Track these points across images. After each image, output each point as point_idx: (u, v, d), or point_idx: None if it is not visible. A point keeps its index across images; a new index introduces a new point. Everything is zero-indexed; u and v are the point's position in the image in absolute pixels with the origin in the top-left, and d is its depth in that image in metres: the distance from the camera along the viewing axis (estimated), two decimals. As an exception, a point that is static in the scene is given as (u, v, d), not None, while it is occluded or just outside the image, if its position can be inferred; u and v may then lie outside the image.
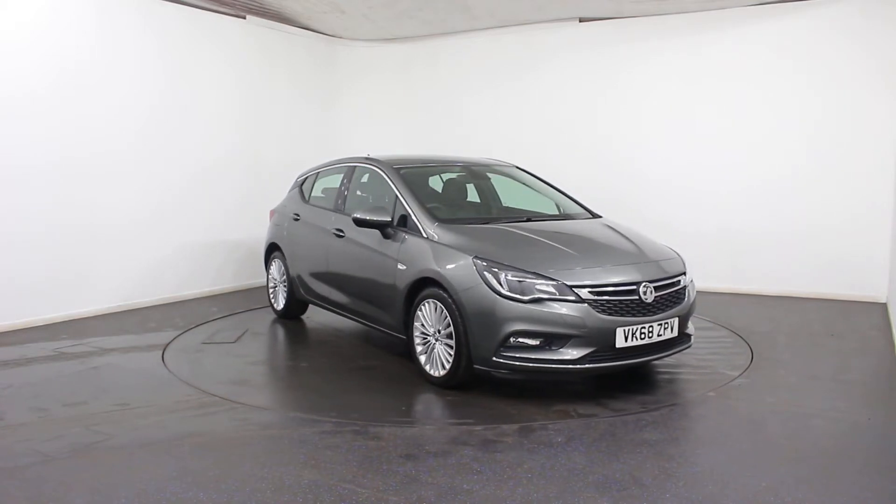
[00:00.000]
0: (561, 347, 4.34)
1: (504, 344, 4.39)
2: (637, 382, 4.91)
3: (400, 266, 5.11)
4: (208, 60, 8.15)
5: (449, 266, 4.70)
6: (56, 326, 6.50)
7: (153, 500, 3.18)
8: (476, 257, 4.58)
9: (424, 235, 5.02)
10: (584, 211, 5.92)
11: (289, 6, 8.38)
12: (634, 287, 4.50)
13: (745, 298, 7.92)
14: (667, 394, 4.72)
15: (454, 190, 6.10)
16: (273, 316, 7.14)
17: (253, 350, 6.04)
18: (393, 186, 5.54)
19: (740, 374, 5.07)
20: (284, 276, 6.89)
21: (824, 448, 3.80)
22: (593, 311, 4.34)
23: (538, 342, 4.36)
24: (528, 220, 5.48)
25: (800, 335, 6.27)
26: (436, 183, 6.09)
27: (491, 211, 5.97)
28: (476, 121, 9.57)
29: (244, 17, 8.53)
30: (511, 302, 4.36)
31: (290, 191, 7.23)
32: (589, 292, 4.38)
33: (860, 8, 7.51)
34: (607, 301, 4.41)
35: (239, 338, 6.34)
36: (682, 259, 5.11)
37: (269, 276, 7.24)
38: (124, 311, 7.18)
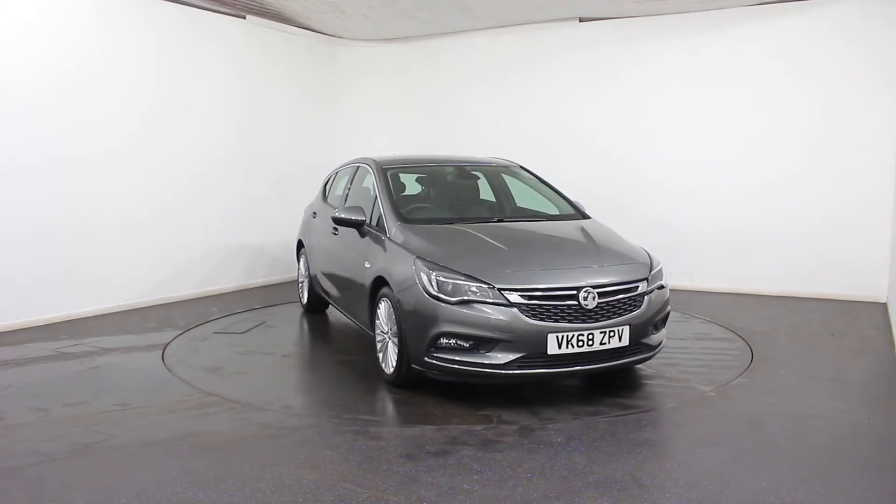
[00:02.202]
0: (489, 351, 4.25)
1: (434, 344, 4.37)
2: (635, 382, 4.92)
3: (366, 264, 5.21)
4: (208, 60, 8.16)
5: (395, 265, 4.77)
6: (56, 326, 6.50)
7: (153, 500, 3.18)
8: (417, 257, 4.60)
9: (388, 235, 5.08)
10: (572, 211, 5.76)
11: (289, 6, 8.38)
12: (574, 292, 4.33)
13: (745, 298, 7.92)
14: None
15: (441, 189, 6.11)
16: (301, 310, 7.36)
17: (253, 341, 6.16)
18: (375, 185, 5.62)
19: (740, 374, 5.07)
20: (307, 272, 7.12)
21: (824, 448, 3.80)
22: (521, 316, 4.23)
23: (467, 344, 4.30)
24: (500, 220, 5.42)
25: (800, 335, 6.27)
26: (426, 182, 6.14)
27: (469, 211, 5.82)
28: (476, 121, 9.57)
29: (244, 17, 8.53)
30: (439, 303, 4.34)
31: (320, 189, 7.43)
32: (519, 296, 4.26)
33: (860, 8, 7.51)
34: (539, 305, 4.27)
35: (249, 330, 6.51)
36: (650, 265, 4.82)
37: (299, 272, 7.48)
38: (124, 311, 7.19)
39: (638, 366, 5.03)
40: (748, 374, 5.09)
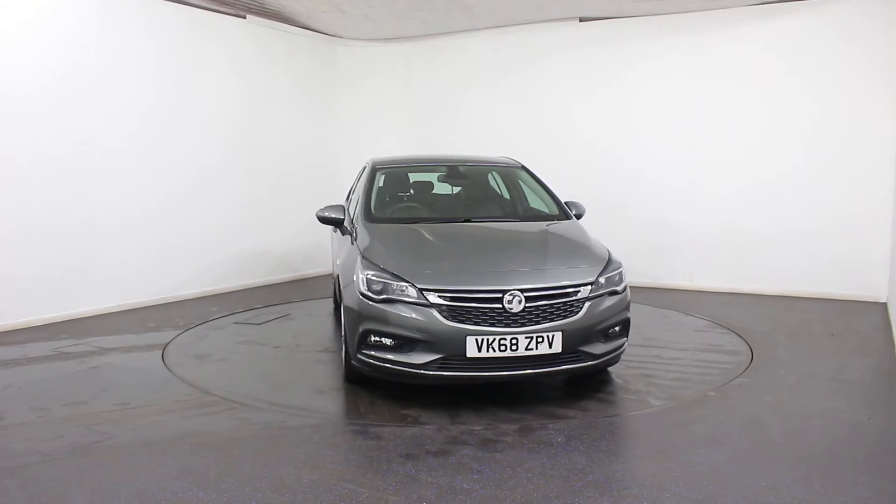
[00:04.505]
0: (411, 351, 4.24)
1: (364, 341, 4.41)
2: (633, 381, 4.92)
3: (337, 261, 5.37)
4: (208, 60, 8.16)
5: (344, 263, 4.90)
6: (56, 326, 6.50)
7: (153, 499, 3.18)
8: (361, 256, 4.64)
9: (354, 234, 5.16)
10: (556, 212, 5.59)
11: (289, 6, 8.38)
12: (499, 295, 4.21)
13: (745, 298, 7.91)
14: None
15: (428, 189, 6.17)
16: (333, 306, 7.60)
17: (261, 333, 6.42)
18: (364, 185, 5.70)
19: (740, 374, 5.07)
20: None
21: (824, 448, 3.80)
22: (438, 316, 4.18)
23: (393, 343, 4.29)
24: (467, 220, 5.35)
25: (800, 335, 6.27)
26: (423, 181, 6.23)
27: (451, 211, 5.77)
28: (476, 121, 9.57)
29: (244, 17, 8.53)
30: (366, 301, 4.37)
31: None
32: (438, 296, 4.21)
33: (860, 8, 7.51)
34: (459, 307, 4.20)
35: (267, 322, 6.77)
36: (603, 269, 4.56)
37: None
38: (124, 311, 7.19)
39: (645, 365, 5.03)
40: (748, 373, 5.09)
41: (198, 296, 8.01)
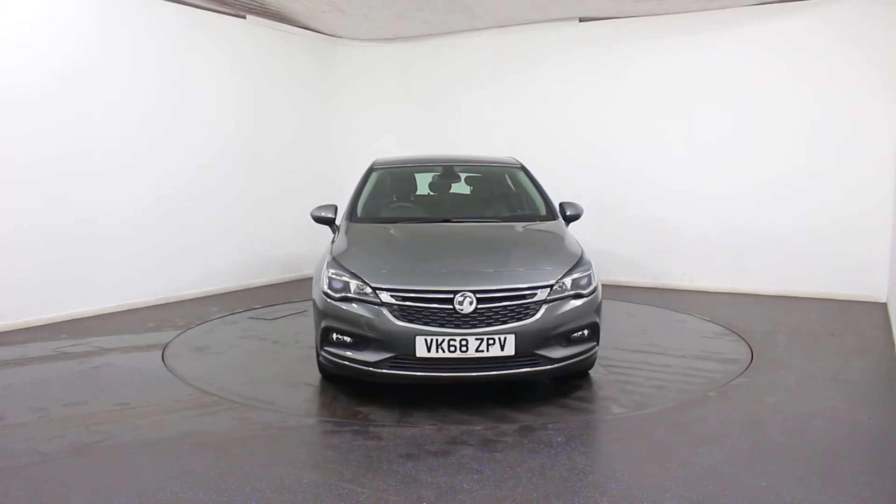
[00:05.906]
0: (365, 349, 4.31)
1: (325, 339, 4.49)
2: (633, 380, 4.91)
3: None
4: (208, 60, 8.16)
5: (319, 261, 4.98)
6: (56, 326, 6.50)
7: (153, 499, 3.18)
8: (331, 254, 4.74)
9: (337, 233, 5.23)
10: (543, 213, 5.49)
11: (289, 6, 8.38)
12: (450, 296, 4.19)
13: (745, 298, 7.91)
14: (666, 393, 4.71)
15: (429, 189, 6.19)
16: None
17: (269, 328, 6.57)
18: (357, 184, 5.74)
19: (740, 374, 5.07)
20: None
21: (824, 448, 3.80)
22: (388, 316, 4.22)
23: (350, 341, 4.37)
24: (447, 220, 5.33)
25: (800, 335, 6.27)
26: (425, 181, 6.25)
27: (439, 211, 5.73)
28: (476, 121, 9.57)
29: (244, 17, 8.53)
30: (326, 299, 4.46)
31: None
32: (390, 296, 4.25)
33: (860, 8, 7.51)
34: (409, 307, 4.22)
35: (281, 317, 6.92)
36: (567, 272, 4.46)
37: None
38: (124, 311, 7.18)
39: (654, 366, 5.01)
40: (748, 374, 5.09)
41: (198, 296, 8.00)
